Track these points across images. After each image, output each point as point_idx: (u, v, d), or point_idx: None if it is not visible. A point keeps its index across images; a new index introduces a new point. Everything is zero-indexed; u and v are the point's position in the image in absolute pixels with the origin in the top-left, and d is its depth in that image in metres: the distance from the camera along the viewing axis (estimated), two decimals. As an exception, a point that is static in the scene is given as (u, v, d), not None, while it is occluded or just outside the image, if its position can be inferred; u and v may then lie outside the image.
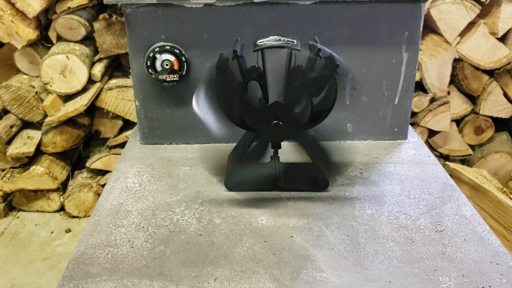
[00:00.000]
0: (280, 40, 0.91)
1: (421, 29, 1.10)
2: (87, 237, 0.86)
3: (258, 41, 0.91)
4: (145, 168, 1.09)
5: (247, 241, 0.85)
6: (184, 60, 1.09)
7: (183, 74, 1.10)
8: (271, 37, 0.92)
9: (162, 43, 1.08)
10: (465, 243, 0.84)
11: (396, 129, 1.19)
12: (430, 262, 0.80)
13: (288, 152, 1.06)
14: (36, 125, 2.05)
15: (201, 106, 0.90)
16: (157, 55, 1.08)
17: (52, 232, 2.03)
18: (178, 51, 1.08)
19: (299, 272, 0.78)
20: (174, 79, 1.10)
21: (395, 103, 1.16)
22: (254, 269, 0.78)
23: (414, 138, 1.21)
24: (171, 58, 1.09)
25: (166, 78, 1.10)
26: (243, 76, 0.92)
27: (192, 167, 1.09)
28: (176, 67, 1.09)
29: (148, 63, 1.09)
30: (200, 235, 0.86)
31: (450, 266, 0.79)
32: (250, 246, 0.84)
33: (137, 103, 1.16)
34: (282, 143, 0.98)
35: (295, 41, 0.91)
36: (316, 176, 0.99)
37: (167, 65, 1.09)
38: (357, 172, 1.07)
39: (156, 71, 1.10)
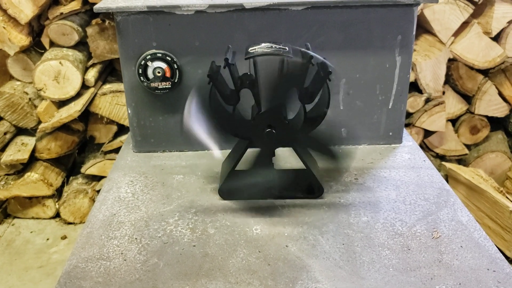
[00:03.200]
0: (272, 47, 0.90)
1: (414, 32, 1.09)
2: (79, 250, 0.85)
3: (250, 49, 0.90)
4: (138, 177, 1.08)
5: (242, 252, 0.84)
6: (176, 67, 1.08)
7: (175, 81, 1.09)
8: (263, 44, 0.91)
9: (154, 51, 1.07)
10: (461, 250, 0.84)
11: (390, 133, 1.18)
12: (426, 270, 0.79)
13: (282, 158, 1.05)
14: (30, 132, 2.04)
15: (193, 118, 0.89)
16: (149, 63, 1.07)
17: (47, 239, 2.02)
18: (169, 59, 1.07)
19: (295, 283, 0.77)
20: (166, 86, 1.09)
21: (389, 107, 1.15)
22: (248, 280, 0.77)
23: (409, 142, 1.21)
24: (163, 65, 1.07)
25: (158, 85, 1.09)
26: (235, 84, 0.91)
27: (186, 175, 1.08)
28: (168, 74, 1.08)
29: (140, 71, 1.08)
30: (194, 246, 0.85)
31: (446, 274, 0.78)
32: (245, 257, 0.83)
33: (129, 111, 1.15)
34: (275, 150, 0.97)
35: (287, 48, 0.90)
36: (311, 183, 0.98)
37: (159, 72, 1.08)
38: (352, 178, 1.06)
39: (148, 78, 1.09)
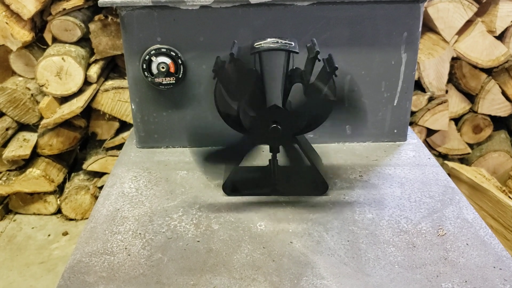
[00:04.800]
0: (277, 42, 0.89)
1: (420, 29, 1.08)
2: (83, 244, 0.85)
3: (256, 44, 0.90)
4: (142, 172, 1.07)
5: (246, 248, 0.83)
6: (180, 62, 1.07)
7: (180, 76, 1.09)
8: (269, 40, 0.90)
9: (158, 46, 1.07)
10: (467, 247, 0.83)
11: (395, 131, 1.18)
12: (432, 267, 0.79)
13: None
14: (32, 128, 2.04)
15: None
16: (153, 58, 1.07)
17: (49, 235, 2.02)
18: (174, 54, 1.07)
19: (299, 279, 0.76)
20: (171, 82, 1.09)
21: (394, 104, 1.15)
22: (253, 276, 0.77)
23: (414, 139, 1.20)
24: (167, 60, 1.07)
25: (162, 81, 1.08)
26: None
27: (190, 171, 1.07)
28: (172, 69, 1.08)
29: (144, 66, 1.07)
30: (198, 241, 0.85)
31: (452, 271, 0.78)
32: (249, 253, 0.82)
33: (133, 107, 1.14)
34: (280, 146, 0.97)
35: (293, 43, 0.89)
36: (315, 180, 0.98)
37: (163, 68, 1.07)
38: (357, 175, 1.05)
39: (152, 74, 1.08)
